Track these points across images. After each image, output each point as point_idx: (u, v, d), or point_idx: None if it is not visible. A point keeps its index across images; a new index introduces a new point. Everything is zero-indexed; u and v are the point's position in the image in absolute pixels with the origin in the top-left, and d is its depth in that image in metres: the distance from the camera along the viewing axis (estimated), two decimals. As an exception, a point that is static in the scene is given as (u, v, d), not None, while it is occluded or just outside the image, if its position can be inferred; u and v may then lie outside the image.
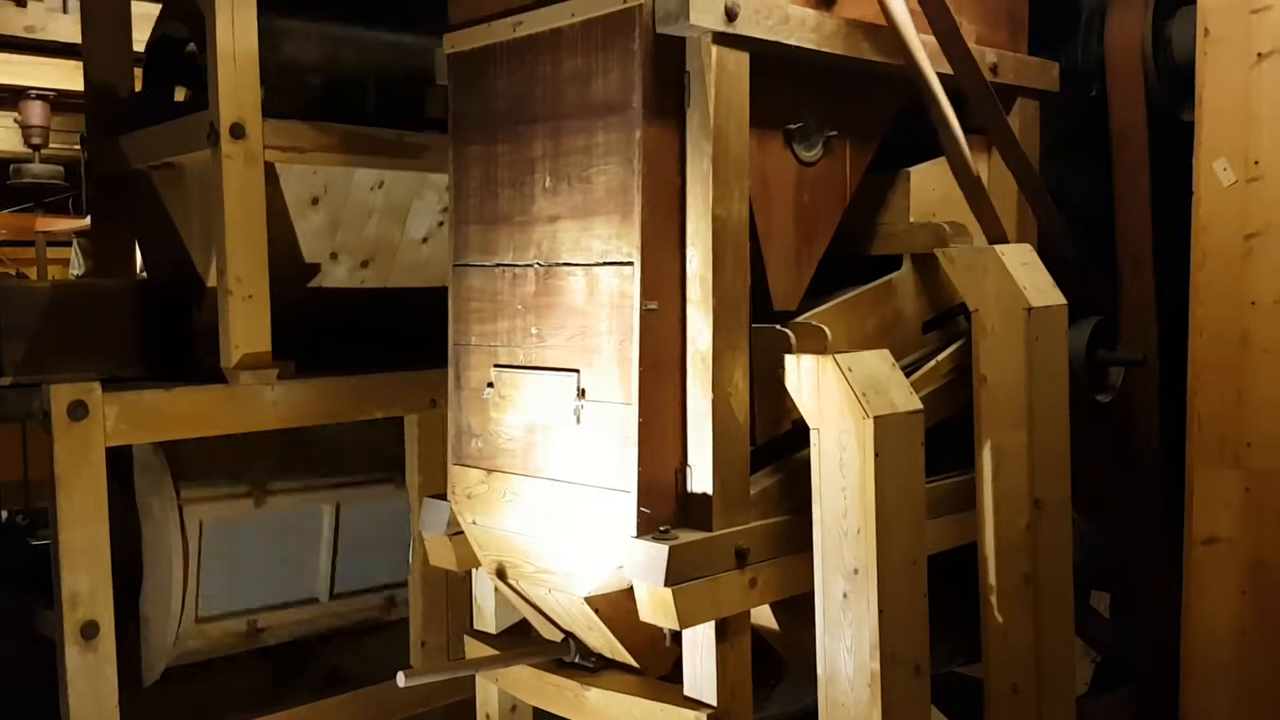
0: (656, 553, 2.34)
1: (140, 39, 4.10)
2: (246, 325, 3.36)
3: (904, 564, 2.47)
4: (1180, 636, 3.21)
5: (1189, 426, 3.17)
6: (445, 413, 2.90)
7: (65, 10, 6.05)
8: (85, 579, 3.16)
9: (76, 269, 9.90)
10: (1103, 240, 3.62)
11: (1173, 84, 3.50)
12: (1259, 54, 3.07)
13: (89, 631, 3.17)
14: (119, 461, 3.55)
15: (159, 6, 4.01)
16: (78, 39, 4.25)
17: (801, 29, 2.52)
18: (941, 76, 2.73)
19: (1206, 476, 3.13)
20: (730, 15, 2.36)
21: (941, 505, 2.85)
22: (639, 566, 2.37)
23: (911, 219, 2.98)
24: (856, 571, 2.43)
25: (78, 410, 3.10)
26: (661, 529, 2.41)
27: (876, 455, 2.41)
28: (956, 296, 2.95)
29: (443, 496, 2.90)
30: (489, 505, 2.75)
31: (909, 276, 2.97)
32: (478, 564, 2.87)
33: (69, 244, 10.35)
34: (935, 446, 2.67)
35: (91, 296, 3.56)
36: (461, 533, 2.86)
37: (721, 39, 2.37)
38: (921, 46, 2.64)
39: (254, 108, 3.33)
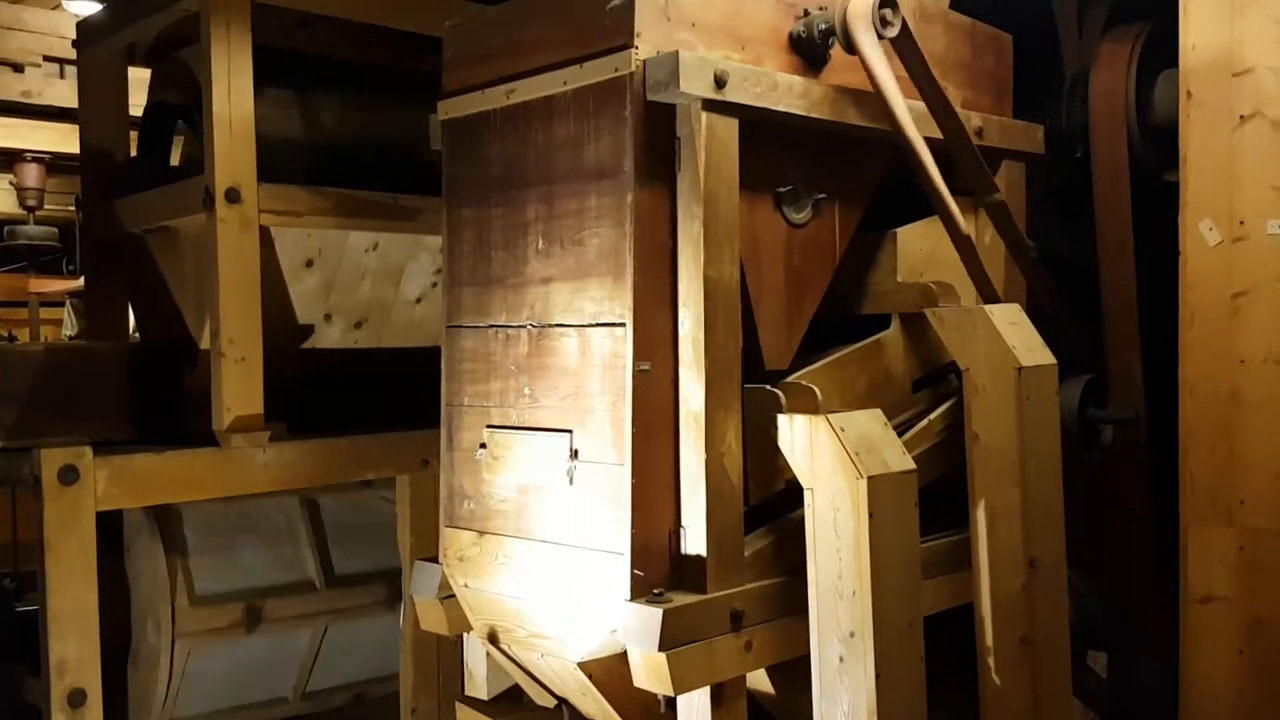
0: (650, 616, 2.32)
1: (136, 103, 4.14)
2: (239, 388, 3.36)
3: (900, 627, 2.46)
4: (1178, 696, 3.18)
5: (1181, 485, 3.17)
6: (437, 473, 2.89)
7: (62, 76, 6.13)
8: (73, 646, 3.12)
9: (70, 330, 9.90)
10: (1092, 297, 3.66)
11: (1156, 145, 3.56)
12: (1241, 116, 3.12)
13: (76, 699, 3.13)
14: (110, 524, 3.52)
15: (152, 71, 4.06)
16: (74, 103, 4.29)
17: (789, 95, 2.56)
18: (929, 140, 2.77)
19: (1201, 535, 3.13)
20: (720, 83, 2.39)
21: (936, 565, 2.84)
22: (633, 630, 2.35)
23: (899, 279, 3.01)
24: (853, 634, 2.41)
25: (69, 475, 3.09)
26: (655, 592, 2.39)
27: (871, 516, 2.41)
28: (946, 355, 2.97)
29: (434, 559, 2.88)
30: (481, 568, 2.73)
31: (898, 336, 2.99)
32: (469, 628, 2.84)
33: (62, 304, 10.36)
34: (928, 505, 2.67)
35: (84, 360, 3.55)
36: (453, 596, 2.84)
37: (711, 106, 2.41)
38: (908, 112, 2.67)
39: (250, 172, 3.36)
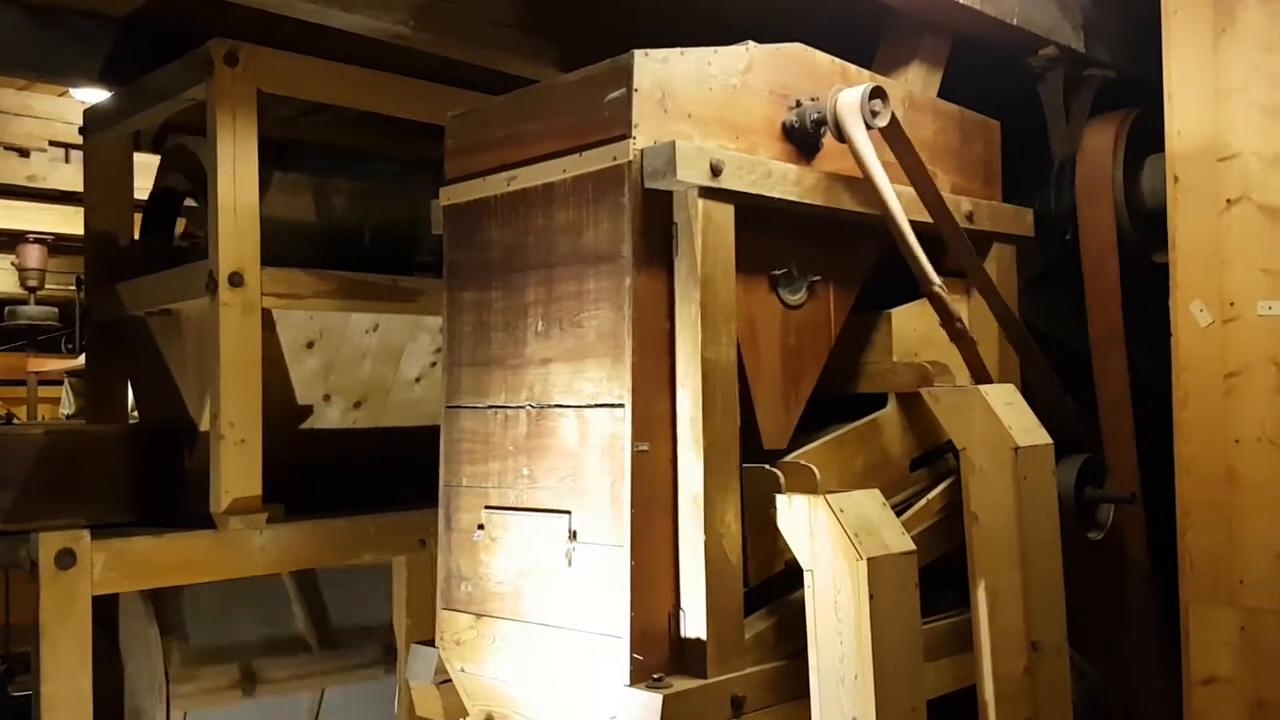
0: (650, 702, 2.30)
1: (140, 187, 4.21)
2: (237, 470, 3.36)
3: (904, 711, 2.43)
4: (1185, 781, 3.14)
5: (1181, 565, 3.17)
6: (434, 554, 2.88)
7: (67, 160, 6.22)
8: (66, 732, 3.08)
9: (67, 408, 9.91)
10: (1085, 377, 3.69)
11: (1144, 228, 3.62)
12: (1228, 200, 3.18)
13: (67, 787, 3.07)
14: (104, 607, 3.49)
15: (160, 157, 4.13)
16: (78, 187, 4.35)
17: (783, 183, 2.62)
18: (922, 224, 2.82)
19: (1202, 615, 3.12)
20: (715, 171, 2.45)
21: (939, 647, 2.82)
22: (632, 717, 2.33)
23: (895, 358, 3.04)
24: (855, 720, 2.39)
25: (65, 559, 3.07)
26: (655, 677, 2.37)
27: (871, 598, 2.40)
28: (943, 434, 2.98)
29: (431, 643, 2.86)
30: (477, 652, 2.71)
31: (895, 415, 3.01)
32: (466, 714, 2.81)
33: (60, 383, 10.38)
34: (929, 586, 2.66)
35: (83, 442, 3.55)
36: (449, 681, 2.81)
37: (707, 193, 2.46)
38: (896, 199, 2.73)
39: (253, 257, 3.39)
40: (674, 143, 2.39)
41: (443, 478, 2.85)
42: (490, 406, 2.75)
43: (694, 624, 2.44)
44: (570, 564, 2.51)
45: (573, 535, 2.52)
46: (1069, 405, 3.35)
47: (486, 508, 2.72)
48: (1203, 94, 3.24)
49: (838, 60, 2.87)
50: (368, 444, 3.93)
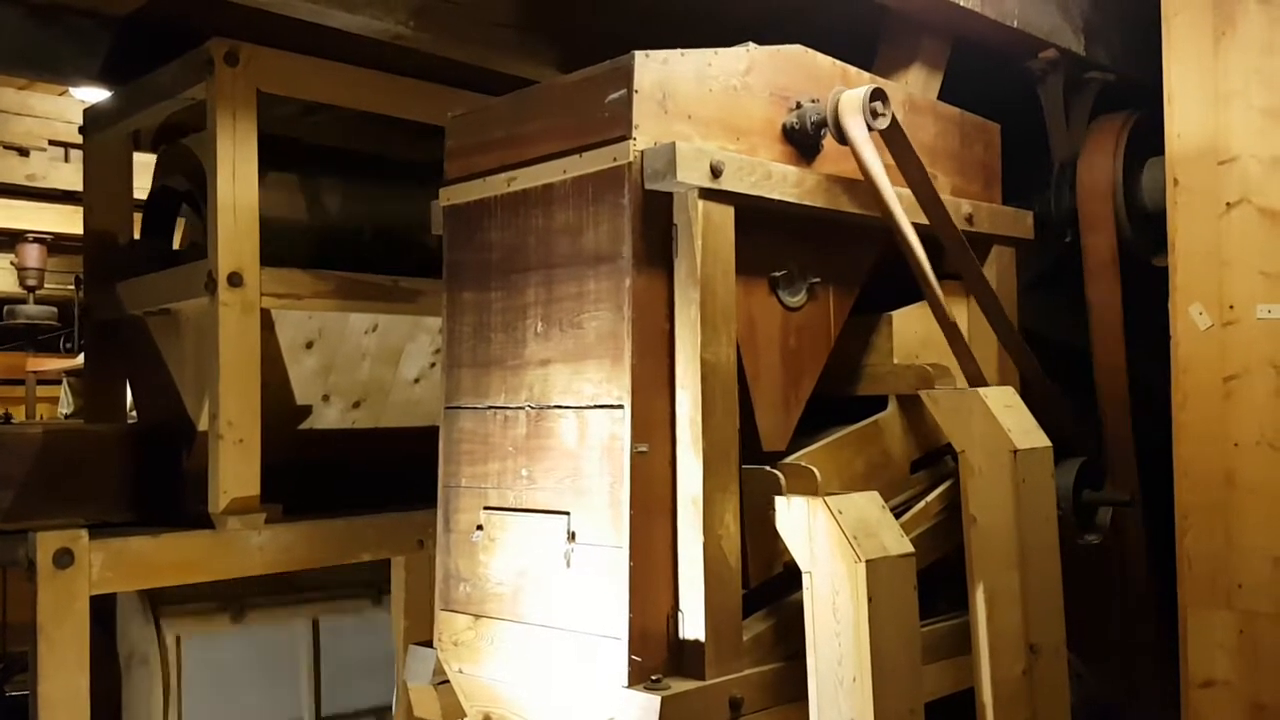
0: (648, 704, 2.30)
1: (140, 186, 4.20)
2: (236, 470, 3.35)
3: (902, 714, 2.43)
4: (1183, 784, 3.14)
5: (1179, 568, 3.17)
6: (433, 554, 2.88)
7: (67, 159, 6.22)
8: (63, 732, 3.07)
9: (66, 408, 9.91)
10: (1085, 380, 3.69)
11: (1144, 231, 3.62)
12: (1228, 203, 3.19)
13: (64, 787, 3.07)
14: (102, 607, 3.49)
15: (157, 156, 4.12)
16: (78, 186, 4.34)
17: (783, 184, 2.62)
18: (920, 226, 2.82)
19: (1200, 618, 3.12)
20: (715, 172, 2.45)
21: (937, 650, 2.82)
22: (630, 718, 2.33)
23: (895, 360, 3.04)
24: (853, 722, 2.39)
25: (64, 558, 3.07)
26: (653, 678, 2.37)
27: (870, 600, 2.40)
28: (943, 437, 2.98)
29: (429, 643, 2.86)
30: (476, 653, 2.71)
31: (895, 417, 3.01)
32: (464, 715, 2.80)
33: (59, 383, 10.38)
34: (928, 587, 2.66)
35: (82, 441, 3.55)
36: (447, 682, 2.81)
37: (707, 194, 2.46)
38: (898, 202, 2.73)
39: (253, 257, 3.39)
40: (674, 144, 2.39)
41: (442, 478, 2.85)
42: (490, 407, 2.75)
43: (692, 625, 2.44)
44: (569, 565, 2.51)
45: (571, 536, 2.51)
46: (1066, 408, 3.34)
47: (485, 508, 2.72)
48: (1203, 97, 3.24)
49: (838, 62, 2.88)
50: (366, 444, 3.93)
